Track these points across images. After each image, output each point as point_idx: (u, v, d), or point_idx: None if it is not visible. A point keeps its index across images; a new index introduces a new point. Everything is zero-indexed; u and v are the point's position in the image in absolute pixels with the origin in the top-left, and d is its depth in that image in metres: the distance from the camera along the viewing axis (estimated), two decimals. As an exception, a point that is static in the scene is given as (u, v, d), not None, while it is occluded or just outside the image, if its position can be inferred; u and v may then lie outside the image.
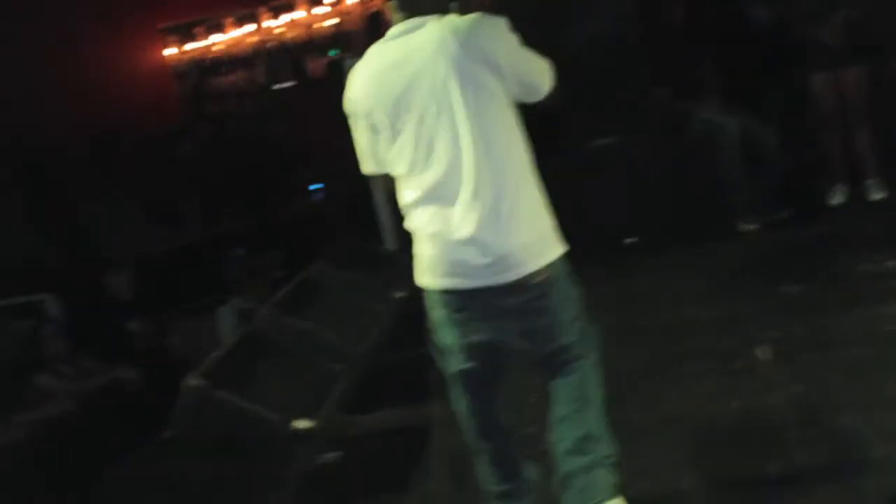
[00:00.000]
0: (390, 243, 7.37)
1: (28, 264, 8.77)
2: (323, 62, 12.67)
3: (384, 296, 6.27)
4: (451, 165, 3.27)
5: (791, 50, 7.21)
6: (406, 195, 3.38)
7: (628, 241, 7.12)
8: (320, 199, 9.60)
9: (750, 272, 6.28)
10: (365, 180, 7.26)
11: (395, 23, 3.38)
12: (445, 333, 3.47)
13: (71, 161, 10.43)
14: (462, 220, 3.27)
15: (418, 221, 3.37)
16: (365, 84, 3.40)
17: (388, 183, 3.49)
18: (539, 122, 7.14)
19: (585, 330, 3.50)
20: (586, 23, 7.18)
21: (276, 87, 14.78)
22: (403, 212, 3.44)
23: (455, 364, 3.51)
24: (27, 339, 6.88)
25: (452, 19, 3.31)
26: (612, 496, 3.41)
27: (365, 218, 7.48)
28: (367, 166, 3.52)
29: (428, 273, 3.40)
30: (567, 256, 3.43)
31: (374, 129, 3.40)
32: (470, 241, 3.27)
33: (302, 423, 4.61)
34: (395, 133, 3.34)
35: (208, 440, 4.62)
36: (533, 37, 3.46)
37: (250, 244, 8.45)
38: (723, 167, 7.04)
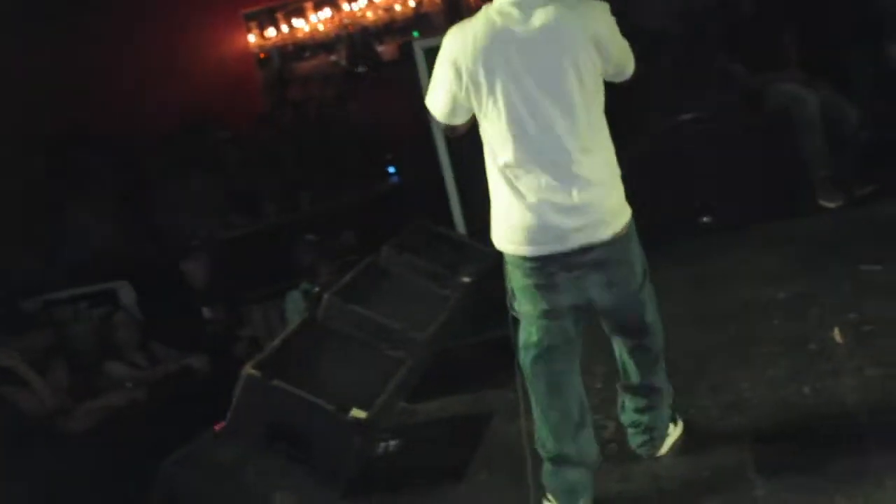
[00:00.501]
0: (460, 228, 7.27)
1: (108, 251, 8.85)
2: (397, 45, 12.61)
3: (451, 281, 6.16)
4: (556, 133, 3.49)
5: (876, 20, 6.91)
6: (500, 158, 3.57)
7: (704, 219, 6.89)
8: (395, 183, 9.51)
9: (829, 251, 6.02)
10: (437, 165, 7.26)
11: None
12: (529, 300, 3.68)
13: (156, 148, 10.50)
14: (563, 186, 3.52)
15: (508, 185, 3.57)
16: (474, 42, 3.53)
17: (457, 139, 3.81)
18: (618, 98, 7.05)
19: (649, 287, 3.86)
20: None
21: (358, 70, 14.82)
22: (492, 175, 3.63)
23: (534, 332, 3.71)
24: (100, 326, 6.93)
25: (568, 1, 3.54)
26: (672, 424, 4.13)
27: (437, 202, 7.39)
28: (441, 115, 3.72)
29: (518, 240, 3.61)
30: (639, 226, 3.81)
31: (470, 85, 3.54)
32: (571, 208, 3.52)
33: (359, 413, 4.53)
34: (496, 94, 3.50)
35: (266, 429, 4.57)
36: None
37: (326, 228, 8.48)
38: (803, 142, 6.78)
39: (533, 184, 3.54)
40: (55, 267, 8.50)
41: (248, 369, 4.64)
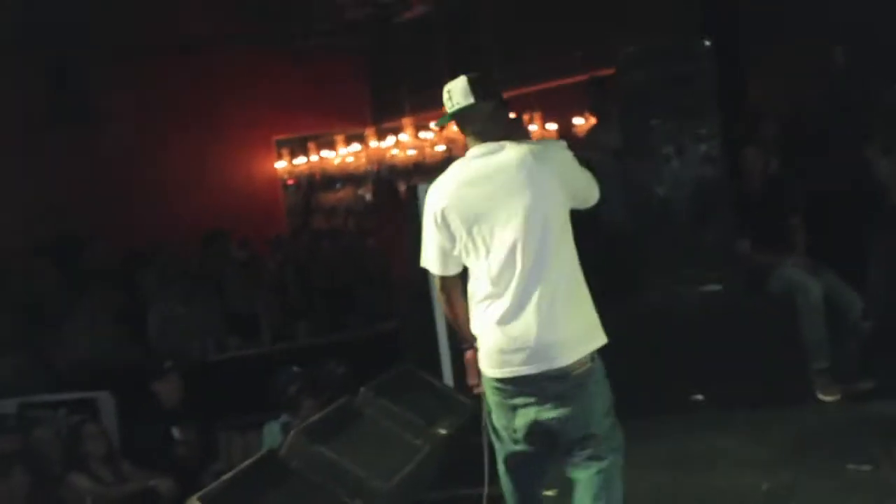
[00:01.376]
0: (448, 378, 7.10)
1: (99, 361, 8.77)
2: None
3: (426, 431, 5.96)
4: (513, 266, 3.81)
5: (887, 208, 6.86)
6: (475, 293, 3.94)
7: (696, 397, 6.71)
8: (393, 327, 9.39)
9: (819, 444, 5.86)
10: (432, 311, 7.14)
11: (471, 146, 3.96)
12: (498, 416, 4.01)
13: (165, 261, 10.48)
14: (516, 315, 3.82)
15: (481, 315, 3.91)
16: (449, 195, 3.92)
17: (450, 293, 4.08)
18: (620, 258, 6.99)
19: (614, 428, 4.01)
20: (674, 162, 6.92)
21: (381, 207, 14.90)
22: (473, 306, 3.96)
23: (505, 446, 4.05)
24: (68, 435, 6.77)
25: (528, 142, 3.94)
26: None
27: (427, 350, 7.25)
28: (434, 268, 4.04)
29: (486, 362, 3.95)
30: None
31: (450, 236, 3.92)
32: (523, 335, 3.82)
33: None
34: (471, 238, 3.88)
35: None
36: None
37: (318, 362, 8.36)
38: (804, 330, 6.64)
39: (493, 311, 3.88)
40: (44, 370, 8.41)
41: (193, 500, 4.45)
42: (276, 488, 4.90)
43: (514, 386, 3.89)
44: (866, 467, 5.35)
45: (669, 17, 8.79)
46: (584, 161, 4.01)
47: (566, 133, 12.03)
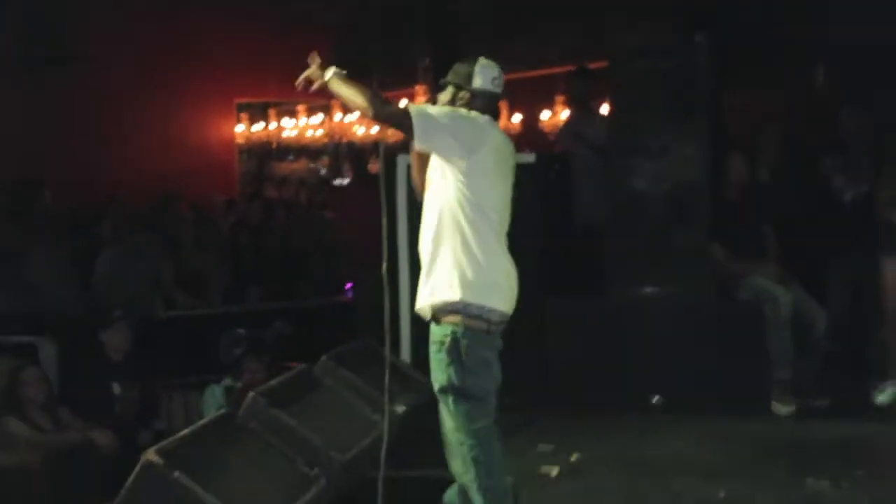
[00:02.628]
0: (406, 355, 6.98)
1: (44, 305, 8.51)
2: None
3: (384, 406, 5.83)
4: (503, 226, 4.27)
5: (865, 232, 6.84)
6: (482, 229, 4.15)
7: (655, 399, 6.65)
8: (349, 299, 9.26)
9: (777, 457, 5.80)
10: (396, 290, 7.02)
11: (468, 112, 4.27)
12: (486, 368, 4.16)
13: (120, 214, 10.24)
14: (508, 259, 4.26)
15: (491, 250, 4.15)
16: (492, 138, 4.25)
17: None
18: (592, 254, 6.90)
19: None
20: (656, 162, 6.84)
21: (337, 181, 14.71)
22: (483, 237, 4.15)
23: (487, 406, 4.17)
24: (8, 379, 6.53)
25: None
26: None
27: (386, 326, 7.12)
28: (427, 130, 4.06)
29: (495, 297, 4.13)
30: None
31: (471, 148, 4.13)
32: (514, 275, 4.27)
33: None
34: (487, 179, 4.18)
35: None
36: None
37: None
38: (770, 340, 6.60)
39: (503, 255, 4.27)
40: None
41: (150, 454, 4.27)
42: (232, 448, 4.75)
43: (498, 329, 4.20)
44: (825, 483, 5.29)
45: (661, 11, 8.69)
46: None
47: (531, 125, 11.96)
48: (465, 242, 4.13)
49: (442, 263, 4.16)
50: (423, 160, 4.34)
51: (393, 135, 5.20)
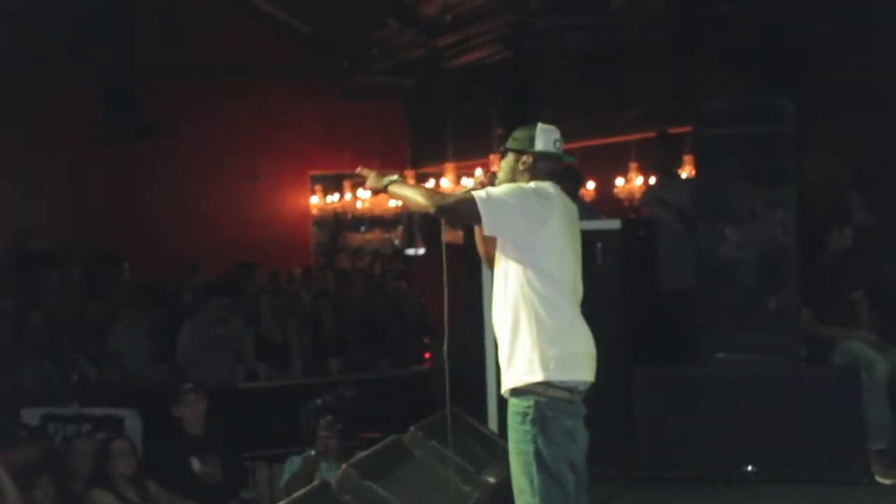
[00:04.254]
0: (493, 424, 6.89)
1: (126, 378, 8.60)
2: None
3: (475, 478, 5.75)
4: (576, 291, 4.22)
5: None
6: (555, 299, 4.09)
7: (748, 468, 6.48)
8: (427, 370, 9.21)
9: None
10: (480, 359, 6.96)
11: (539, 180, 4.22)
12: (560, 445, 4.03)
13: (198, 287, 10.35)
14: (583, 325, 4.18)
15: (564, 319, 4.08)
16: (558, 205, 4.18)
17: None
18: (681, 320, 6.77)
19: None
20: (743, 227, 6.74)
21: (411, 251, 14.76)
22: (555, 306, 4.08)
23: (567, 487, 4.03)
24: (98, 452, 6.55)
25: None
26: None
27: (471, 395, 7.06)
28: (494, 215, 4.04)
29: (569, 367, 4.04)
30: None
31: (540, 223, 4.09)
32: (590, 340, 4.18)
33: None
34: (555, 249, 4.12)
35: None
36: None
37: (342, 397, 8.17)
38: (866, 407, 6.42)
39: (577, 320, 4.20)
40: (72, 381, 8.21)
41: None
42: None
43: (581, 397, 4.11)
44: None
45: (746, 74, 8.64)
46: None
47: (605, 192, 11.89)
48: (539, 318, 4.06)
49: (521, 345, 4.09)
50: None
51: (453, 237, 5.20)
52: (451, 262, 4.68)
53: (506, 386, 4.17)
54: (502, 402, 6.34)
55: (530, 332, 4.06)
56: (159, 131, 12.59)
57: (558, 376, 4.02)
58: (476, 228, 4.29)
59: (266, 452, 7.86)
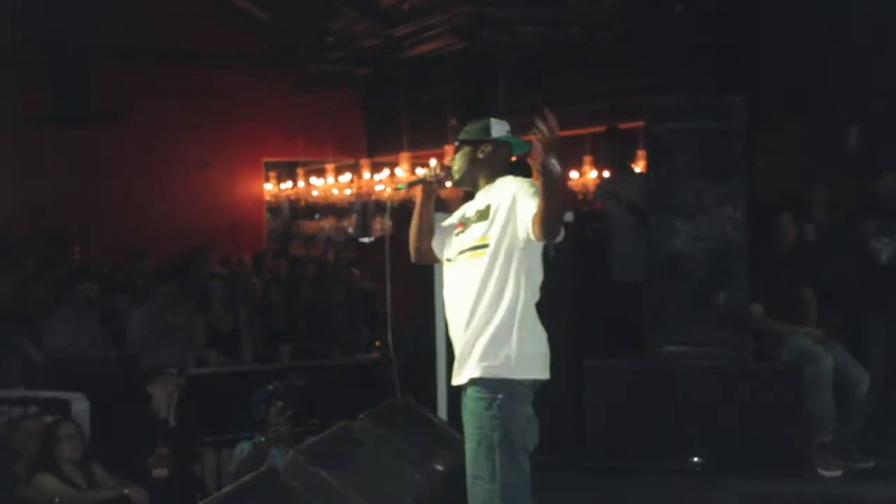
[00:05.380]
0: (443, 413, 6.91)
1: (73, 361, 8.51)
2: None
3: (423, 466, 5.77)
4: None
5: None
6: (531, 304, 4.15)
7: (695, 460, 6.56)
8: (377, 358, 9.21)
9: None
10: (430, 348, 6.98)
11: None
12: (529, 429, 4.12)
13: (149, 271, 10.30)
14: None
15: (536, 323, 4.15)
16: None
17: None
18: (630, 313, 6.83)
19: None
20: (697, 221, 6.81)
21: (364, 239, 14.73)
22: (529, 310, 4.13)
23: (524, 468, 4.09)
24: (43, 435, 6.50)
25: None
26: None
27: (421, 384, 7.08)
28: None
29: (540, 366, 4.16)
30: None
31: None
32: None
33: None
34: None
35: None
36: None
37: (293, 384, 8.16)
38: (811, 401, 6.52)
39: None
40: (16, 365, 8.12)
41: (194, 511, 4.23)
42: (273, 506, 4.69)
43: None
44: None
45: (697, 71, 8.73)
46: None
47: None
48: (527, 318, 4.13)
49: (502, 340, 4.11)
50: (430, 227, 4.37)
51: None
52: (401, 252, 4.68)
53: (472, 375, 4.15)
54: (454, 392, 6.40)
55: (518, 331, 4.09)
56: (111, 117, 12.49)
57: (529, 374, 4.11)
58: (420, 219, 4.36)
59: (216, 438, 7.82)
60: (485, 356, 4.12)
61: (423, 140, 12.76)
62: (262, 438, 6.87)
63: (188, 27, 13.30)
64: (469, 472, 4.14)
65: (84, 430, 7.01)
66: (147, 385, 7.17)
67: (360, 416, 5.94)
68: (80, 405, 7.39)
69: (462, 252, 4.23)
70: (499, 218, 4.12)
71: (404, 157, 12.48)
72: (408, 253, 4.53)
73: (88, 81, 12.85)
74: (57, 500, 6.19)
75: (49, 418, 6.79)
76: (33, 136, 11.97)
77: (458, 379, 4.23)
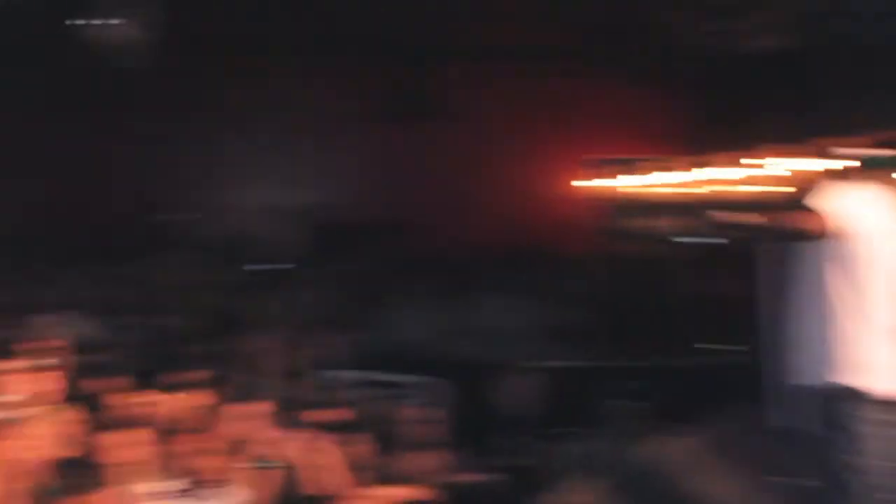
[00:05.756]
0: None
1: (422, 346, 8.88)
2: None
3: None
4: None
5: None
6: None
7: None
8: (713, 363, 9.07)
9: None
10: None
11: None
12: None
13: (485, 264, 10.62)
14: None
15: None
16: None
17: None
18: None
19: None
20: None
21: (693, 239, 14.46)
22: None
23: None
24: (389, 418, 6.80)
25: None
26: None
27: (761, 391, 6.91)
28: None
29: None
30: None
31: None
32: None
33: None
34: None
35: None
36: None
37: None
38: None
39: None
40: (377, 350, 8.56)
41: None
42: None
43: None
44: None
45: None
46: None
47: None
48: None
49: None
50: None
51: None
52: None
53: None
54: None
55: None
56: (438, 113, 12.95)
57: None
58: None
59: (562, 430, 7.92)
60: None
61: (755, 138, 12.42)
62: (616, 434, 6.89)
63: (515, 25, 13.52)
64: None
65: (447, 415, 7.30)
66: (497, 376, 7.35)
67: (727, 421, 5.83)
68: (446, 391, 7.68)
69: None
70: None
71: (731, 155, 12.20)
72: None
73: (424, 81, 13.36)
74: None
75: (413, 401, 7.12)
76: (375, 133, 12.62)
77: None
